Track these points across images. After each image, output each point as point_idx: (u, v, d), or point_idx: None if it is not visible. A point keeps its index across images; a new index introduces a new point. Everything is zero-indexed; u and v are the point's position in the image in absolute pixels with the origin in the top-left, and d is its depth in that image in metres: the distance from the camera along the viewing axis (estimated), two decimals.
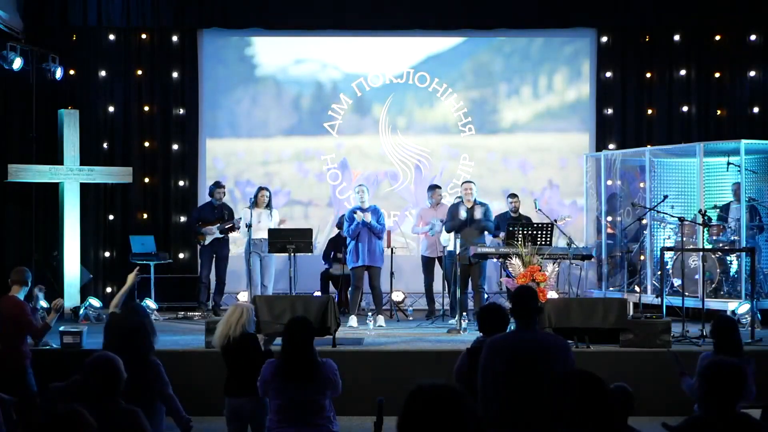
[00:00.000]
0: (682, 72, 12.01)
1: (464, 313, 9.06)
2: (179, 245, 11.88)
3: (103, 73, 11.84)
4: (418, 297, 11.28)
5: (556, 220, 9.62)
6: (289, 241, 9.37)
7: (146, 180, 11.88)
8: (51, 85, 11.19)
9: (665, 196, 10.06)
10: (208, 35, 12.08)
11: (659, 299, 8.82)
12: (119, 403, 3.99)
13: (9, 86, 11.26)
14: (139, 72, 11.92)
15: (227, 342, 5.34)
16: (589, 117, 12.20)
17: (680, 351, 7.63)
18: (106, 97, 11.86)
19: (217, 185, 10.76)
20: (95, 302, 10.09)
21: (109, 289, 11.69)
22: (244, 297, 10.40)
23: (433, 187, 10.61)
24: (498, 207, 11.31)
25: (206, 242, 10.51)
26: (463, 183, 9.97)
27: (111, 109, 11.87)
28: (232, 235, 10.73)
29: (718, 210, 10.37)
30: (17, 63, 10.29)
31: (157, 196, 11.96)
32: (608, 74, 12.07)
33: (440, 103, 12.19)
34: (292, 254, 9.34)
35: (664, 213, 10.08)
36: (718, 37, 11.95)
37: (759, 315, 9.20)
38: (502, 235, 9.61)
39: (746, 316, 8.96)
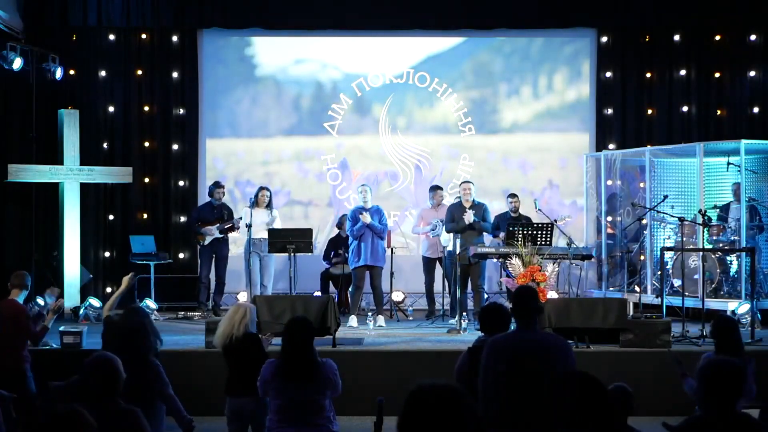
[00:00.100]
0: (682, 72, 12.01)
1: (464, 313, 9.06)
2: (179, 245, 11.88)
3: (103, 73, 11.84)
4: (418, 297, 11.28)
5: (556, 220, 9.62)
6: (289, 241, 9.37)
7: (146, 180, 11.88)
8: (51, 85, 11.19)
9: (665, 196, 10.06)
10: (208, 35, 12.08)
11: (659, 299, 8.82)
12: (119, 403, 3.99)
13: (9, 86, 11.26)
14: (139, 72, 11.92)
15: (230, 341, 5.33)
16: (589, 117, 12.20)
17: (680, 351, 7.65)
18: (106, 97, 11.86)
19: (217, 185, 10.76)
20: (95, 302, 10.09)
21: (108, 289, 11.69)
22: (243, 297, 10.40)
23: (435, 188, 10.61)
24: (498, 207, 11.31)
25: (206, 242, 10.51)
26: (461, 183, 9.97)
27: (111, 109, 11.86)
28: (231, 235, 10.73)
29: (718, 210, 10.37)
30: (17, 63, 10.29)
31: (157, 196, 11.96)
32: (608, 74, 12.07)
33: (440, 103, 12.19)
34: (292, 254, 9.34)
35: (664, 213, 10.08)
36: (718, 37, 11.95)
37: (759, 315, 9.20)
38: (502, 235, 9.61)
39: (746, 316, 8.96)
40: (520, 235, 8.81)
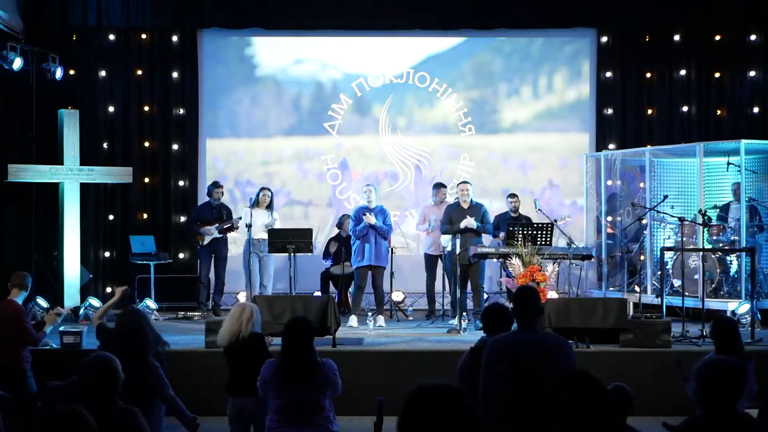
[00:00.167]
0: (682, 72, 12.01)
1: (464, 313, 9.06)
2: (179, 245, 11.88)
3: (103, 73, 11.84)
4: (418, 297, 11.29)
5: (556, 220, 9.62)
6: (289, 241, 9.37)
7: (146, 180, 11.88)
8: (51, 85, 11.18)
9: (665, 196, 10.06)
10: (208, 35, 12.08)
11: (659, 299, 8.82)
12: (117, 403, 3.99)
13: (9, 86, 11.26)
14: (139, 72, 11.92)
15: (236, 340, 5.32)
16: (589, 117, 12.20)
17: (680, 351, 7.66)
18: (106, 97, 11.86)
19: (216, 185, 10.76)
20: (95, 302, 10.08)
21: (108, 289, 11.69)
22: (243, 297, 10.39)
23: (438, 186, 10.60)
24: (498, 207, 11.32)
25: (205, 242, 10.51)
26: (459, 184, 9.94)
27: (111, 109, 11.86)
28: (231, 235, 10.73)
29: (718, 210, 10.37)
30: (17, 63, 10.29)
31: (157, 196, 11.96)
32: (608, 74, 12.07)
33: (440, 103, 12.19)
34: (292, 254, 9.34)
35: (664, 213, 10.08)
36: (718, 37, 11.95)
37: (759, 315, 9.20)
38: (502, 235, 9.61)
39: (746, 316, 8.96)
40: (520, 235, 8.81)
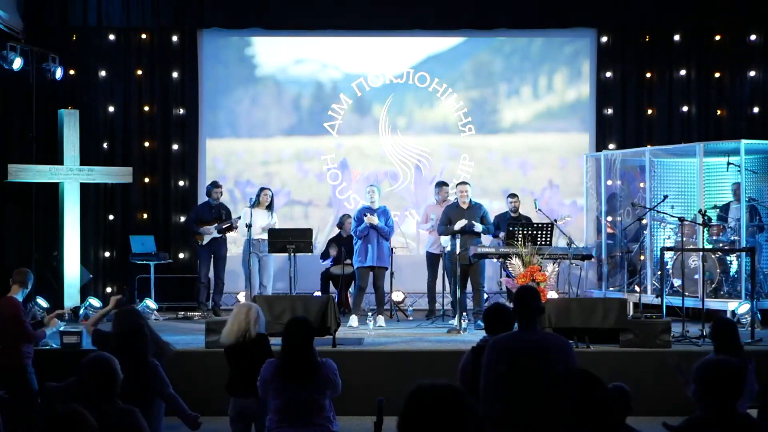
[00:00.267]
0: (682, 72, 12.01)
1: (464, 313, 9.05)
2: (179, 245, 11.88)
3: (103, 73, 11.84)
4: (418, 297, 11.28)
5: (556, 220, 9.62)
6: (289, 241, 9.37)
7: (146, 180, 11.88)
8: (51, 85, 11.18)
9: (665, 196, 10.06)
10: (208, 35, 12.08)
11: (659, 299, 8.82)
12: (117, 403, 3.99)
13: (9, 86, 11.25)
14: (139, 72, 11.92)
15: (242, 340, 5.31)
16: (589, 117, 12.20)
17: (680, 351, 7.65)
18: (106, 97, 11.86)
19: (215, 185, 10.76)
20: (95, 302, 10.09)
21: (108, 289, 11.70)
22: (243, 297, 10.39)
23: (441, 184, 10.58)
24: (498, 207, 11.32)
25: (204, 242, 10.51)
26: (458, 185, 9.92)
27: (111, 109, 11.86)
28: (230, 235, 10.73)
29: (718, 210, 10.37)
30: (17, 63, 10.28)
31: (157, 196, 11.96)
32: (608, 74, 12.07)
33: (440, 103, 12.19)
34: (292, 254, 9.34)
35: (664, 213, 10.08)
36: (718, 37, 11.95)
37: (759, 315, 9.20)
38: (502, 235, 9.61)
39: (746, 316, 8.97)
40: (520, 235, 8.81)
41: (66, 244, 10.54)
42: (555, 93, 12.31)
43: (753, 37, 11.93)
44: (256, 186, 11.08)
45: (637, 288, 10.54)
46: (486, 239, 10.09)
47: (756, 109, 11.92)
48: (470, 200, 9.66)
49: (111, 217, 11.86)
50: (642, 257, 10.83)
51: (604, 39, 12.10)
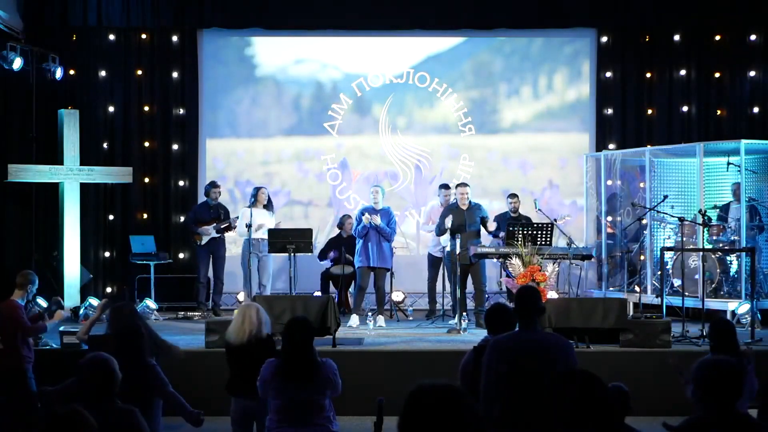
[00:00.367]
0: (682, 72, 12.01)
1: (464, 313, 9.05)
2: (179, 245, 11.88)
3: (103, 73, 11.84)
4: (418, 297, 11.28)
5: (556, 220, 9.62)
6: (289, 241, 9.37)
7: (146, 180, 11.88)
8: (51, 85, 11.19)
9: (665, 196, 10.06)
10: (208, 35, 12.08)
11: (659, 299, 8.82)
12: (116, 403, 3.99)
13: (9, 86, 11.26)
14: (139, 72, 11.92)
15: (249, 340, 5.31)
16: (589, 117, 12.20)
17: (680, 351, 7.65)
18: (106, 97, 11.86)
19: (213, 185, 10.76)
20: (95, 302, 10.08)
21: (108, 289, 11.71)
22: (242, 297, 10.39)
23: (444, 186, 10.57)
24: (498, 207, 11.32)
25: (203, 242, 10.50)
26: (457, 186, 9.91)
27: (111, 109, 11.86)
28: (230, 235, 10.72)
29: (718, 210, 10.37)
30: (17, 63, 10.29)
31: (157, 196, 11.96)
32: (608, 74, 12.07)
33: (440, 103, 12.19)
34: (292, 254, 9.34)
35: (664, 213, 10.08)
36: (718, 37, 11.95)
37: (759, 315, 9.20)
38: (502, 234, 9.61)
39: (746, 316, 8.97)
40: (520, 235, 8.80)
41: (66, 244, 10.54)
42: (555, 93, 12.31)
43: (753, 37, 11.93)
44: (265, 187, 11.01)
45: (637, 288, 10.54)
46: (486, 239, 10.09)
47: (756, 109, 11.92)
48: (470, 201, 9.66)
49: (111, 217, 11.86)
50: (642, 257, 10.83)
51: (604, 39, 12.10)
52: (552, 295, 9.10)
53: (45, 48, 10.93)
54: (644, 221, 10.68)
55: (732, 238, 9.98)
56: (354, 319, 9.44)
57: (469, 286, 9.67)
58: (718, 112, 12.04)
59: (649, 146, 11.08)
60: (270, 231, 9.71)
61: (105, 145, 11.84)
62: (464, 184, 9.86)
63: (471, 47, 12.33)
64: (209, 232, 10.46)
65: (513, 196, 10.66)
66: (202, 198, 11.44)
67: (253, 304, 5.58)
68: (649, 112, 12.07)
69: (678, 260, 9.77)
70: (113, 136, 11.89)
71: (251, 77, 12.26)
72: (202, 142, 12.06)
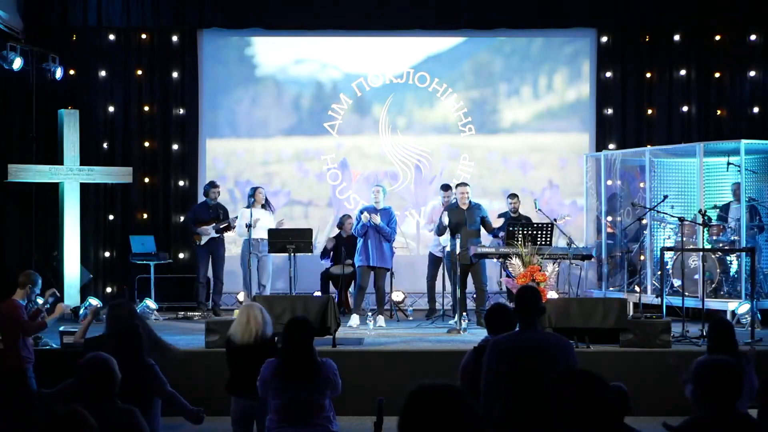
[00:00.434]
0: (682, 72, 12.01)
1: (464, 313, 9.05)
2: (179, 245, 11.88)
3: (103, 73, 11.84)
4: (418, 297, 11.28)
5: (556, 220, 9.62)
6: (289, 241, 9.37)
7: (146, 180, 11.88)
8: (51, 85, 11.19)
9: (665, 196, 10.06)
10: (208, 35, 12.08)
11: (659, 299, 8.82)
12: (116, 403, 3.99)
13: (9, 86, 11.26)
14: (139, 72, 11.92)
15: (255, 341, 5.31)
16: (589, 117, 12.20)
17: (680, 351, 7.65)
18: (106, 97, 11.86)
19: (212, 185, 10.75)
20: (95, 302, 10.07)
21: (108, 289, 11.70)
22: (242, 297, 10.39)
23: (446, 187, 10.56)
24: (498, 207, 11.32)
25: (202, 242, 10.50)
26: (457, 186, 9.91)
27: (111, 109, 11.86)
28: (230, 235, 10.72)
29: (718, 210, 10.37)
30: (17, 63, 10.29)
31: (157, 196, 11.96)
32: (608, 74, 12.07)
33: (440, 103, 12.19)
34: (292, 254, 9.34)
35: (664, 213, 10.08)
36: (718, 37, 11.95)
37: (759, 315, 9.20)
38: (502, 234, 9.61)
39: (746, 316, 8.97)
40: (520, 235, 8.80)
41: (66, 244, 10.54)
42: (555, 93, 12.31)
43: (753, 37, 11.93)
44: (262, 187, 11.01)
45: (637, 288, 10.54)
46: (486, 239, 10.09)
47: (756, 109, 11.92)
48: (470, 201, 9.66)
49: (111, 217, 11.86)
50: (642, 257, 10.83)
51: (604, 39, 12.10)
52: (552, 295, 9.10)
53: (45, 48, 10.93)
54: (644, 221, 10.68)
55: (732, 238, 9.98)
56: (354, 319, 9.44)
57: (470, 286, 9.68)
58: (718, 112, 12.04)
59: (649, 146, 11.08)
60: (270, 231, 9.71)
61: (105, 145, 11.84)
62: (464, 184, 9.86)
63: (471, 47, 12.33)
64: (208, 232, 10.46)
65: (513, 196, 10.66)
66: (202, 198, 11.45)
67: (256, 304, 5.58)
68: (649, 112, 12.07)
69: (678, 260, 9.77)
70: (113, 136, 11.90)
71: (251, 77, 12.26)
72: (202, 142, 12.06)
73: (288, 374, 4.66)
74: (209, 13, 11.70)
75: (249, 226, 9.64)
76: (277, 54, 12.21)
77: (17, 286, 6.81)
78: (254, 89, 12.28)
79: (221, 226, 10.47)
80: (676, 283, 9.95)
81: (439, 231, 9.62)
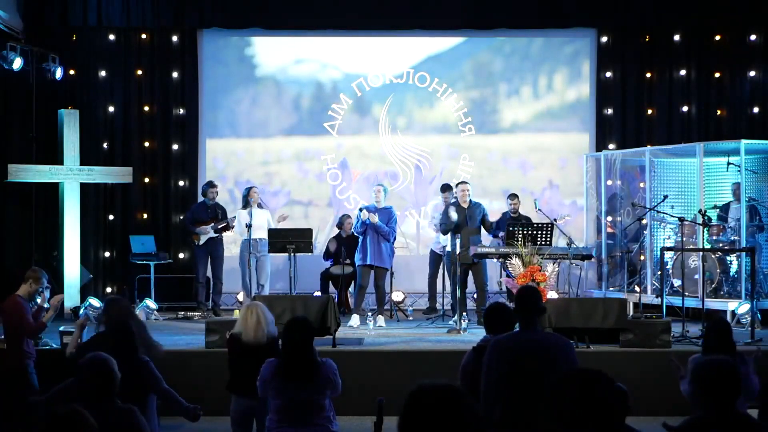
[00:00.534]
0: (682, 72, 12.01)
1: (464, 313, 9.05)
2: (179, 245, 11.88)
3: (103, 73, 11.84)
4: (418, 297, 11.29)
5: (555, 220, 9.62)
6: (289, 241, 9.37)
7: (146, 180, 11.88)
8: (51, 85, 11.19)
9: (665, 196, 10.06)
10: (208, 35, 12.08)
11: (659, 299, 8.82)
12: (116, 402, 3.99)
13: (9, 86, 11.26)
14: (139, 72, 11.92)
15: (265, 340, 5.31)
16: (589, 117, 12.20)
17: (680, 351, 7.64)
18: (106, 97, 11.86)
19: (210, 185, 10.75)
20: (95, 302, 10.07)
21: (108, 289, 11.70)
22: (242, 297, 10.39)
23: (447, 188, 10.56)
24: (498, 207, 11.32)
25: (201, 242, 10.50)
26: (458, 184, 9.92)
27: (111, 109, 11.87)
28: (229, 235, 10.72)
29: (718, 210, 10.37)
30: (17, 63, 10.29)
31: (157, 196, 11.96)
32: (608, 74, 12.07)
33: (440, 103, 12.19)
34: (292, 254, 9.34)
35: (664, 213, 10.08)
36: (718, 37, 11.95)
37: (759, 315, 9.20)
38: (501, 234, 9.61)
39: (746, 316, 8.97)
40: (520, 235, 8.80)
41: (66, 244, 10.54)
42: (555, 93, 12.31)
43: (753, 37, 11.93)
44: (256, 186, 11.04)
45: (637, 288, 10.54)
46: (486, 239, 10.09)
47: (756, 109, 11.92)
48: (470, 200, 9.66)
49: (111, 217, 11.86)
50: (642, 257, 10.83)
51: (604, 39, 12.10)
52: (552, 295, 9.10)
53: (45, 48, 10.93)
54: (644, 221, 10.68)
55: (732, 238, 9.98)
56: (354, 319, 9.44)
57: (470, 286, 9.67)
58: (718, 112, 12.05)
59: (649, 146, 11.08)
60: (270, 231, 9.71)
61: (105, 145, 11.84)
62: (465, 182, 9.88)
63: (471, 47, 12.33)
64: (207, 231, 10.46)
65: (513, 196, 10.66)
66: (201, 198, 11.45)
67: (259, 303, 5.57)
68: (649, 112, 12.07)
69: (678, 260, 9.77)
70: (113, 136, 11.90)
71: (251, 77, 12.26)
72: (202, 142, 12.06)
73: (288, 374, 4.66)
74: (209, 13, 11.70)
75: (249, 226, 9.64)
76: (277, 54, 12.22)
77: (22, 281, 6.77)
78: (254, 89, 12.28)
79: (219, 227, 10.47)
80: (676, 283, 9.95)
81: (445, 228, 9.53)
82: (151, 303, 10.28)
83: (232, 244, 11.00)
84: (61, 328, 7.83)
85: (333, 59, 12.22)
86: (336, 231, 11.32)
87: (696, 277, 9.75)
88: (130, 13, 11.55)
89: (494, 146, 12.22)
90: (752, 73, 11.92)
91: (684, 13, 11.68)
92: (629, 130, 12.04)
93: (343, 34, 12.08)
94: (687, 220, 9.50)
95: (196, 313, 10.51)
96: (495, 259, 9.58)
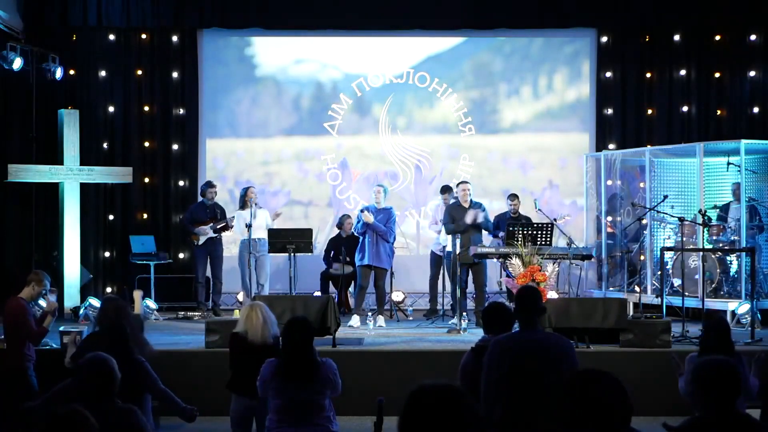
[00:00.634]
0: (682, 72, 12.01)
1: (464, 313, 9.05)
2: (179, 245, 11.88)
3: (103, 73, 11.85)
4: (418, 297, 11.28)
5: (555, 220, 9.62)
6: (289, 241, 9.38)
7: (146, 180, 11.88)
8: (51, 85, 11.19)
9: (665, 196, 10.06)
10: (208, 35, 12.08)
11: (659, 299, 8.82)
12: (116, 402, 3.99)
13: (9, 86, 11.27)
14: (139, 72, 11.92)
15: (272, 340, 5.30)
16: (589, 117, 12.20)
17: (680, 351, 7.64)
18: (106, 97, 11.87)
19: (209, 185, 10.75)
20: (95, 302, 10.07)
21: (108, 289, 11.70)
22: (241, 297, 10.39)
23: (446, 189, 10.55)
24: (498, 207, 11.32)
25: (200, 242, 10.50)
26: (459, 184, 9.92)
27: (111, 109, 11.87)
28: (229, 235, 10.72)
29: (718, 210, 10.37)
30: (17, 63, 10.29)
31: (157, 196, 11.96)
32: (608, 74, 12.07)
33: (440, 103, 12.19)
34: (292, 254, 9.34)
35: (664, 213, 10.08)
36: (718, 37, 11.95)
37: (759, 315, 9.20)
38: (501, 234, 9.61)
39: (746, 316, 8.97)
40: (520, 235, 8.80)
41: (66, 244, 10.54)
42: (555, 93, 12.31)
43: (753, 37, 11.93)
44: (256, 186, 11.04)
45: (637, 288, 10.54)
46: (486, 239, 10.09)
47: (756, 109, 11.92)
48: (471, 199, 9.66)
49: (111, 217, 11.86)
50: (642, 257, 10.83)
51: (604, 39, 12.10)
52: (552, 295, 9.10)
53: (45, 48, 10.93)
54: (644, 221, 10.68)
55: (732, 238, 9.98)
56: (355, 319, 9.44)
57: (470, 286, 9.67)
58: (718, 112, 12.05)
59: (649, 146, 11.09)
60: (270, 231, 9.71)
61: (105, 145, 11.84)
62: (465, 182, 9.87)
63: (471, 47, 12.33)
64: (206, 232, 10.46)
65: (513, 197, 10.65)
66: (200, 198, 11.45)
67: (261, 303, 5.57)
68: (649, 112, 12.07)
69: (678, 260, 9.77)
70: (113, 136, 11.90)
71: (251, 77, 12.26)
72: (202, 142, 12.06)
73: (288, 374, 4.66)
74: (209, 13, 11.70)
75: (249, 226, 9.64)
76: (277, 54, 12.21)
77: (22, 281, 6.77)
78: (254, 89, 12.28)
79: (219, 227, 10.47)
80: (676, 283, 9.95)
81: (454, 229, 9.48)
82: (151, 303, 10.28)
83: (231, 244, 11.00)
84: (61, 328, 7.82)
85: (333, 59, 12.22)
86: (336, 231, 11.32)
87: (696, 277, 9.75)
88: (130, 13, 11.55)
89: (494, 146, 12.22)
90: (752, 73, 11.92)
91: (684, 13, 11.68)
92: (629, 130, 12.04)
93: (343, 34, 12.08)
94: (687, 220, 9.50)
95: (196, 313, 10.51)
96: (495, 259, 9.58)
